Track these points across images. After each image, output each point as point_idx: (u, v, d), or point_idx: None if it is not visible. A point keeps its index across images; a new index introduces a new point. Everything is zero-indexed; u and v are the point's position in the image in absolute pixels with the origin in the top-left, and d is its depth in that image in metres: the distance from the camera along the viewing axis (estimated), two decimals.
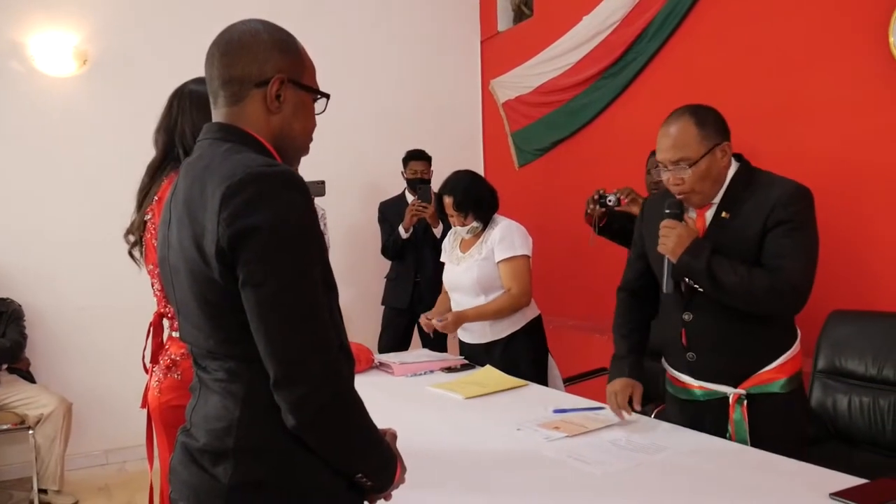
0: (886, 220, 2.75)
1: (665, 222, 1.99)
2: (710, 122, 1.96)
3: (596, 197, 3.10)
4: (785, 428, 1.99)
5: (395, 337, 4.28)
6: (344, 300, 4.49)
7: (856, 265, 2.84)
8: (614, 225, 3.17)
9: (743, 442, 1.96)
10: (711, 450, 1.85)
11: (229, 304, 1.09)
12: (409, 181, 4.39)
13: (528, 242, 2.95)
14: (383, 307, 4.45)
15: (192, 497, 1.16)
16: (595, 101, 4.22)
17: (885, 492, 1.51)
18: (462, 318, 2.93)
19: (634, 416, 2.09)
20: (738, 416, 1.97)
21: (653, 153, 3.17)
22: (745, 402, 1.97)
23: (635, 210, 3.04)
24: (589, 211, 3.14)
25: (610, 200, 3.06)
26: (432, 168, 4.39)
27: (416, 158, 4.39)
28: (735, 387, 2.00)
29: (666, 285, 2.03)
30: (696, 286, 1.97)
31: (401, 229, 4.19)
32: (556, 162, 4.66)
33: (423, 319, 3.06)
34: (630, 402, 2.09)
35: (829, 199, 2.84)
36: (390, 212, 4.38)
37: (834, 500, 1.47)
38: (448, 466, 1.79)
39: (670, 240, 1.95)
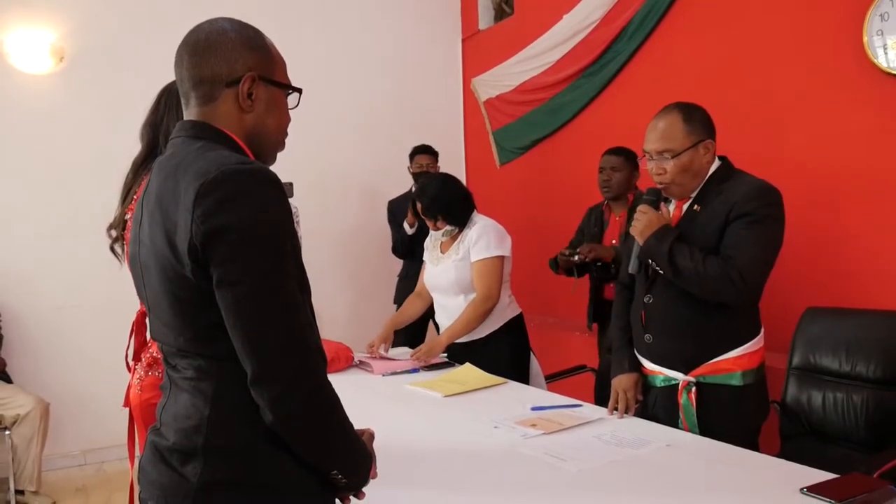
0: (861, 218, 2.79)
1: (640, 207, 2.11)
2: (697, 119, 2.06)
3: (566, 254, 3.35)
4: (733, 421, 2.04)
5: (409, 334, 4.25)
6: (350, 301, 4.44)
7: (830, 263, 2.87)
8: (592, 270, 3.42)
9: (693, 428, 2.03)
10: (687, 445, 1.87)
11: (200, 302, 1.09)
12: (414, 175, 4.33)
13: (505, 242, 2.93)
14: (395, 305, 4.42)
15: (160, 497, 1.15)
16: (575, 99, 4.25)
17: (855, 486, 1.53)
18: (437, 346, 2.90)
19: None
20: (685, 401, 2.05)
21: (606, 153, 3.39)
22: (693, 388, 2.06)
23: (604, 254, 3.32)
24: (561, 264, 3.41)
25: (575, 258, 3.33)
26: (438, 164, 4.39)
27: (422, 152, 4.37)
28: (686, 373, 2.07)
29: (631, 265, 2.16)
30: (657, 269, 2.06)
31: (405, 225, 4.17)
32: (536, 160, 4.67)
33: (368, 350, 3.05)
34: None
35: (804, 197, 2.89)
36: (399, 210, 4.33)
37: (805, 494, 1.48)
38: (425, 464, 1.80)
39: (640, 223, 2.08)
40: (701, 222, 2.04)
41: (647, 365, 2.18)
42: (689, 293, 2.02)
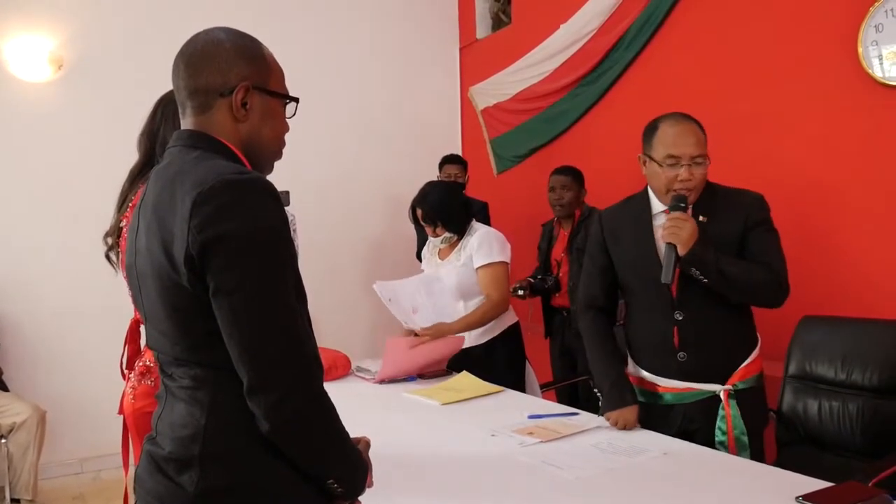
0: (857, 227, 2.80)
1: (677, 214, 2.01)
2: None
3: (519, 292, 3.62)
4: (756, 419, 2.10)
5: None
6: (344, 310, 4.39)
7: (826, 272, 2.88)
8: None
9: (741, 434, 2.03)
10: (683, 453, 1.87)
11: (197, 311, 1.09)
12: None
13: (506, 249, 2.96)
14: None
15: None
16: (573, 108, 4.26)
17: (851, 494, 1.53)
18: (447, 329, 2.85)
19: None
20: (733, 410, 2.04)
21: (555, 172, 3.54)
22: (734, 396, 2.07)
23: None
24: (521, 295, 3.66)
25: (520, 293, 3.64)
26: (467, 174, 4.42)
27: (451, 162, 4.44)
28: (722, 383, 2.07)
29: (665, 275, 2.00)
30: (702, 278, 1.99)
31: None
32: (534, 169, 4.68)
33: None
34: None
35: (799, 206, 2.90)
36: None
37: (801, 502, 1.49)
38: (422, 472, 1.80)
39: (684, 231, 1.97)
40: (714, 232, 2.02)
41: (675, 384, 2.10)
42: (720, 304, 2.03)
